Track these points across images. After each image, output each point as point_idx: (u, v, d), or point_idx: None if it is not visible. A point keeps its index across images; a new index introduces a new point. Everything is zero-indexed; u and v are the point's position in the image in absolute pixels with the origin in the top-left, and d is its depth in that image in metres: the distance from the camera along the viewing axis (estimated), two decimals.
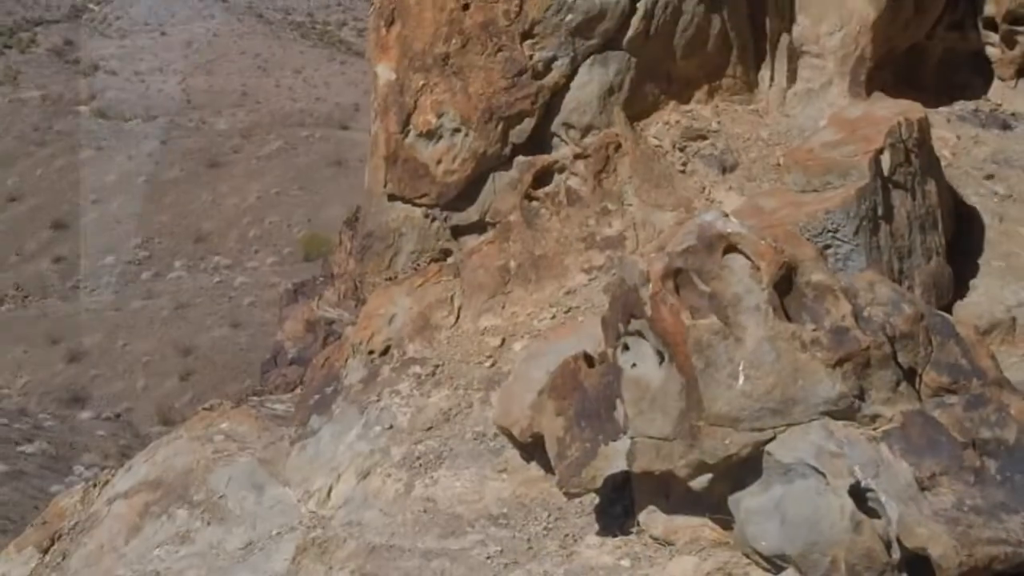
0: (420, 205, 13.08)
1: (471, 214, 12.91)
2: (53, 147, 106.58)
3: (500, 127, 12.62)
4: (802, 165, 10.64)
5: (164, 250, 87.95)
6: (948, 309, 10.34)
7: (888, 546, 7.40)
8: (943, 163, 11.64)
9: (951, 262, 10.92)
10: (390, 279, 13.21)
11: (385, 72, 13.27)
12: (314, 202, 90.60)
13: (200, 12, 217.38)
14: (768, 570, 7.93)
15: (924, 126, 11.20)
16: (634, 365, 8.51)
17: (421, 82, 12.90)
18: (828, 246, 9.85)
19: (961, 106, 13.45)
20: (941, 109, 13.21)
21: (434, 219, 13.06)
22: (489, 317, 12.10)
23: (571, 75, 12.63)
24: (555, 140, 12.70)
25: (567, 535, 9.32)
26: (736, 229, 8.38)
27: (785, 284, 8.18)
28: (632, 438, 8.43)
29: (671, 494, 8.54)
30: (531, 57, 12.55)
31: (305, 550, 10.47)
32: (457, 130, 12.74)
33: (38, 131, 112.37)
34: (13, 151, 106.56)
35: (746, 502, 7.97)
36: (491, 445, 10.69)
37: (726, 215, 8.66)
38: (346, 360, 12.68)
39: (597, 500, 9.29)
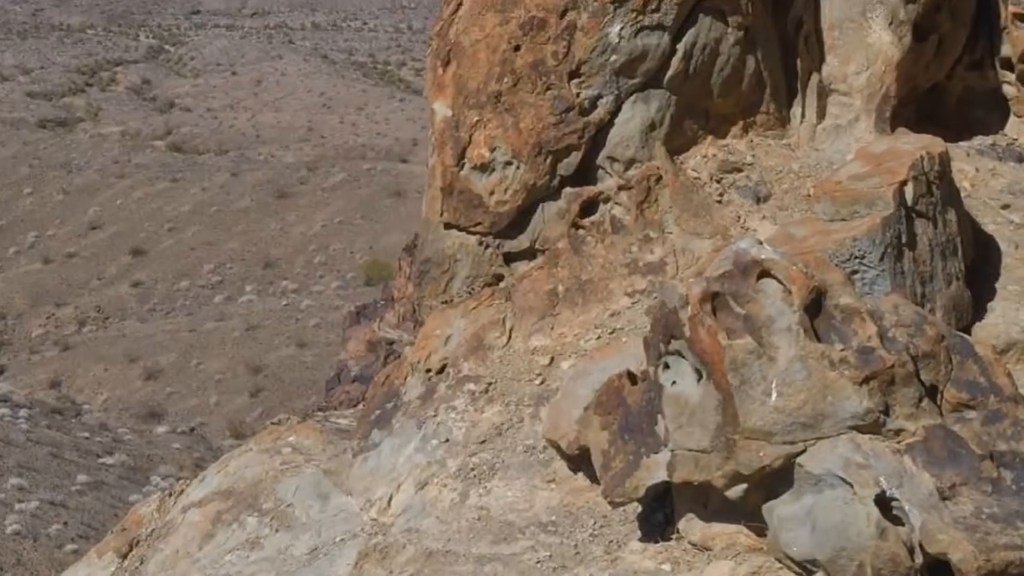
0: (474, 233, 13.02)
1: (522, 241, 12.86)
2: (132, 179, 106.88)
3: (549, 160, 12.59)
4: (831, 196, 10.59)
5: (235, 275, 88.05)
6: (967, 330, 10.30)
7: (911, 551, 7.42)
8: (963, 194, 11.57)
9: (970, 286, 10.86)
10: (446, 302, 13.16)
11: (442, 109, 13.24)
12: (375, 230, 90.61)
13: (269, 53, 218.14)
14: (799, 574, 7.95)
15: (945, 159, 11.14)
16: (674, 382, 8.52)
17: (475, 118, 12.86)
18: (855, 271, 9.81)
19: (979, 141, 13.35)
20: (961, 144, 13.12)
21: (487, 246, 12.99)
22: (539, 338, 12.05)
23: (615, 112, 12.58)
24: (600, 172, 12.64)
25: (612, 541, 9.33)
26: (769, 255, 8.39)
27: (815, 307, 8.20)
28: (672, 450, 8.44)
29: (708, 503, 8.54)
30: (578, 95, 12.51)
31: (367, 555, 10.47)
32: (509, 163, 12.71)
33: (118, 164, 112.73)
34: (94, 183, 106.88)
35: (779, 510, 7.99)
36: (540, 457, 10.65)
37: (760, 242, 8.66)
38: (405, 378, 12.65)
39: (639, 508, 9.27)
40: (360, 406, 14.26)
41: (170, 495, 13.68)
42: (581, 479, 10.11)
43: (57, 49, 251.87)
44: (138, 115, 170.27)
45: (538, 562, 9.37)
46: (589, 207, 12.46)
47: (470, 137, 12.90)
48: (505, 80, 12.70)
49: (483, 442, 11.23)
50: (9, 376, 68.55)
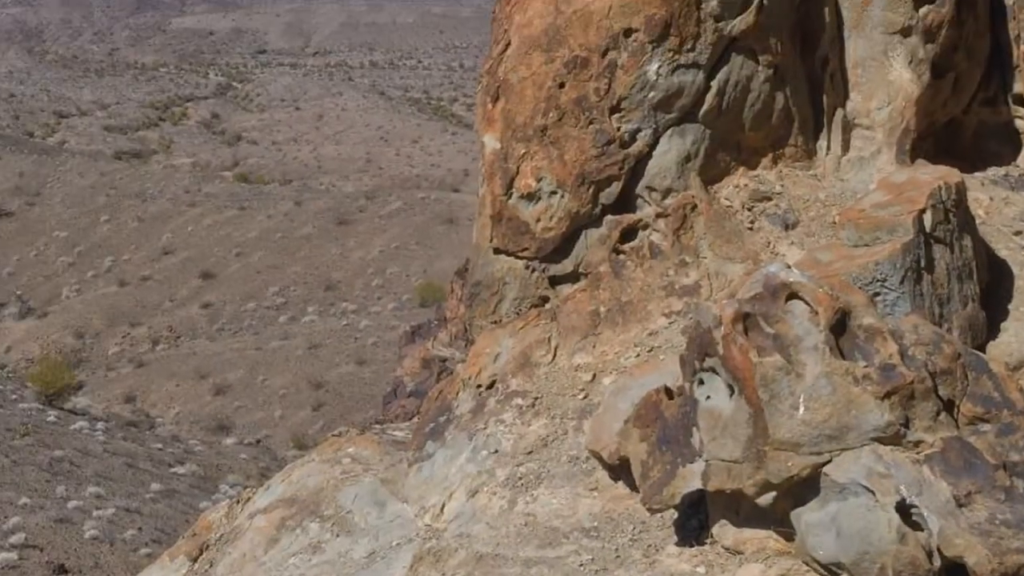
0: (522, 258, 13.03)
1: (566, 266, 12.84)
2: (202, 207, 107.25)
3: (591, 190, 12.60)
4: (855, 223, 10.59)
5: (298, 297, 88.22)
6: (982, 348, 10.28)
7: (930, 555, 7.42)
8: (977, 221, 11.51)
9: (985, 308, 10.82)
10: (495, 322, 13.16)
11: (491, 142, 13.26)
12: (429, 255, 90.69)
13: (330, 90, 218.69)
14: (825, 574, 7.96)
15: (961, 189, 11.11)
16: (708, 397, 8.54)
17: (523, 151, 12.87)
18: (877, 294, 9.80)
19: (993, 171, 13.25)
20: (976, 174, 13.04)
21: (534, 270, 12.99)
22: (582, 355, 12.04)
23: (653, 144, 12.57)
24: (639, 201, 12.64)
25: (650, 545, 9.31)
26: (797, 279, 8.41)
27: (840, 326, 8.22)
28: (706, 461, 8.45)
29: (740, 510, 8.55)
30: (618, 129, 12.50)
31: (421, 559, 10.47)
32: (554, 192, 12.71)
33: (189, 193, 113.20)
34: (167, 211, 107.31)
35: (806, 517, 8.00)
36: (583, 467, 10.63)
37: (788, 267, 8.67)
38: (457, 393, 12.64)
39: (676, 515, 9.27)
40: (415, 419, 14.25)
41: (237, 502, 13.73)
42: (621, 487, 10.09)
43: (132, 86, 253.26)
44: (208, 147, 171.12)
45: (581, 565, 9.34)
46: (629, 233, 12.44)
47: (518, 168, 12.91)
48: (550, 115, 12.71)
49: (530, 453, 11.21)
50: (88, 391, 68.75)
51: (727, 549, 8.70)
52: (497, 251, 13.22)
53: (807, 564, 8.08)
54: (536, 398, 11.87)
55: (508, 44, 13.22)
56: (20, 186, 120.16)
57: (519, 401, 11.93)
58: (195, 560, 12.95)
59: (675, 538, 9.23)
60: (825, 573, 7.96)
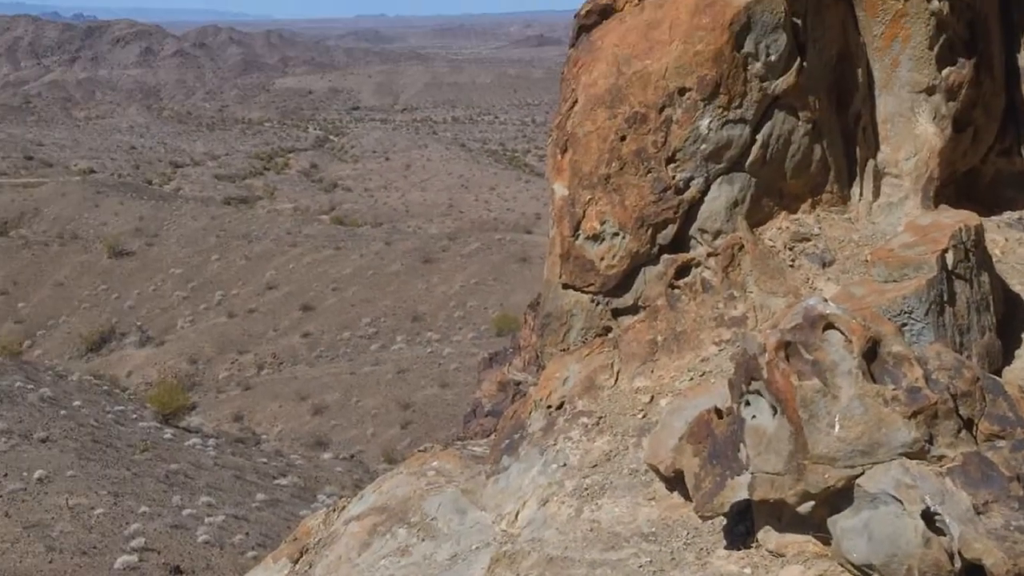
0: (587, 292, 13.03)
1: (627, 299, 12.84)
2: (302, 247, 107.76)
3: (649, 232, 12.62)
4: (885, 261, 10.57)
5: (388, 327, 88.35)
6: (998, 373, 10.22)
7: (951, 557, 7.38)
8: (994, 259, 11.46)
9: (1000, 337, 10.77)
10: (564, 350, 13.17)
11: (560, 189, 13.32)
12: (504, 290, 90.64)
13: (416, 142, 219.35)
14: (858, 574, 7.94)
15: (979, 231, 11.08)
16: (754, 417, 8.54)
17: (588, 197, 12.91)
18: (904, 324, 9.79)
19: (1008, 215, 13.11)
20: (992, 217, 12.94)
21: (598, 303, 12.99)
22: (641, 379, 12.01)
23: (704, 191, 12.57)
24: (692, 242, 12.64)
25: (702, 549, 9.29)
26: (833, 311, 8.40)
27: (871, 353, 8.20)
28: (752, 473, 8.47)
29: (782, 517, 8.54)
30: (673, 177, 12.52)
31: (498, 561, 10.47)
32: (616, 234, 12.74)
33: (290, 235, 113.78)
34: (271, 250, 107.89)
35: (841, 523, 7.99)
36: (642, 479, 10.59)
37: (825, 300, 8.65)
38: (529, 413, 12.63)
39: (725, 522, 9.25)
40: (492, 436, 14.15)
41: (334, 510, 13.75)
42: (676, 497, 10.06)
43: (240, 139, 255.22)
44: (307, 194, 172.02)
45: (640, 566, 9.33)
46: (683, 270, 12.42)
47: (584, 212, 12.95)
48: (613, 165, 12.75)
49: (594, 466, 11.18)
50: (200, 411, 69.11)
51: (771, 552, 8.69)
52: (566, 286, 13.24)
53: (842, 565, 8.06)
54: (600, 417, 11.84)
55: (575, 102, 13.29)
56: (140, 228, 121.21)
57: (585, 420, 11.90)
58: (296, 562, 12.99)
59: (724, 542, 9.21)
60: (858, 574, 7.95)
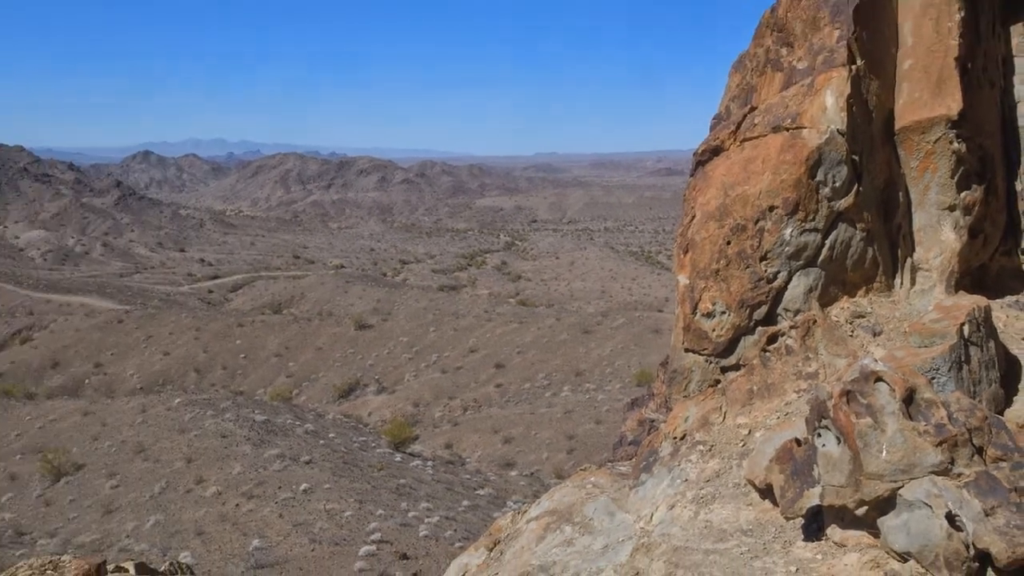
0: (703, 355, 13.04)
1: (731, 360, 12.83)
2: (495, 322, 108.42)
3: (748, 311, 12.63)
4: (919, 332, 10.60)
5: (558, 380, 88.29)
6: (1001, 414, 10.16)
7: (967, 547, 7.40)
8: (998, 331, 11.31)
9: (1002, 387, 10.63)
10: (686, 396, 13.17)
11: (682, 279, 13.35)
12: (643, 352, 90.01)
13: (578, 246, 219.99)
14: (899, 560, 7.96)
15: (988, 310, 11.04)
16: (824, 445, 8.55)
17: (703, 285, 12.95)
18: (933, 378, 9.80)
19: (1009, 299, 12.80)
20: (997, 300, 12.74)
21: (711, 363, 13.00)
22: (741, 418, 11.99)
23: (788, 281, 12.55)
24: (779, 318, 12.59)
25: (786, 541, 9.31)
26: (881, 368, 8.44)
27: (909, 399, 8.24)
28: (823, 486, 8.49)
29: (844, 517, 8.56)
30: (765, 271, 12.54)
31: (637, 550, 10.55)
32: (724, 312, 12.76)
33: (487, 312, 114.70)
34: (472, 324, 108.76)
35: (887, 522, 8.03)
36: (743, 490, 10.58)
37: (876, 360, 8.64)
38: (661, 442, 12.61)
39: (803, 521, 9.26)
40: (633, 459, 14.09)
41: (519, 513, 13.85)
42: (767, 504, 10.03)
43: (450, 243, 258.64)
44: (499, 283, 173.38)
45: (741, 553, 9.36)
46: (772, 339, 12.38)
47: (700, 296, 12.99)
48: (721, 262, 12.80)
49: (708, 481, 11.18)
50: (421, 441, 69.90)
51: (836, 543, 8.69)
52: (687, 350, 13.24)
53: (888, 553, 8.07)
54: (712, 445, 11.84)
55: (694, 216, 13.37)
56: (377, 308, 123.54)
57: (701, 447, 11.91)
58: (490, 550, 13.12)
59: (802, 536, 9.22)
60: (900, 559, 7.96)
